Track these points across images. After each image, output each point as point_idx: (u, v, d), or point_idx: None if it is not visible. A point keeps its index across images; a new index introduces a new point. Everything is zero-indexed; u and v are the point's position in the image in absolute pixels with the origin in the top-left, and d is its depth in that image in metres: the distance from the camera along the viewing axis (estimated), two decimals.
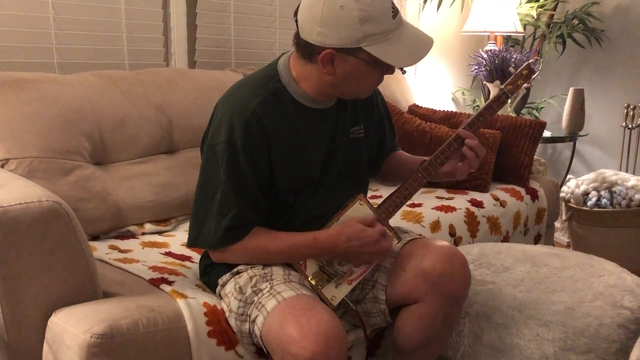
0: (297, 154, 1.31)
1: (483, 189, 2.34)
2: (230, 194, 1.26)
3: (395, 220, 1.92)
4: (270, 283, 1.27)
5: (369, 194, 1.54)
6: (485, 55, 2.96)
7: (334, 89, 1.28)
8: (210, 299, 1.34)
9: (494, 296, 1.58)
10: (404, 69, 1.27)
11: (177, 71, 2.13)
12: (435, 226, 2.00)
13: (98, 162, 1.80)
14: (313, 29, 1.20)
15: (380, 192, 2.15)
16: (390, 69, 1.25)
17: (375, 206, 1.38)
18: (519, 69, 1.36)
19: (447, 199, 2.23)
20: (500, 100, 1.36)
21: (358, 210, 1.35)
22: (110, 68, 2.04)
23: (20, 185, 1.28)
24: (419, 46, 1.21)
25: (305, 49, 1.25)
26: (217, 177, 1.26)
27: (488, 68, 2.93)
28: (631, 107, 3.00)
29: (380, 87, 1.49)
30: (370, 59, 1.20)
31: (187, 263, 1.58)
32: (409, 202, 1.90)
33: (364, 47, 1.18)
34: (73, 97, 1.76)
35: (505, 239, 2.25)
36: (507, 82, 1.36)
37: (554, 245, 2.71)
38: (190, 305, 1.29)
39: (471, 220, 2.12)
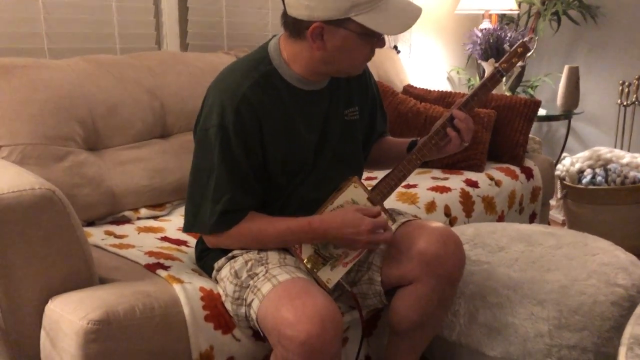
0: (290, 136, 1.31)
1: (478, 168, 2.34)
2: (223, 179, 1.26)
3: (390, 202, 1.92)
4: (265, 267, 1.27)
5: (364, 175, 1.54)
6: (479, 34, 2.94)
7: (326, 65, 1.27)
8: (207, 284, 1.34)
9: (489, 276, 1.59)
10: (398, 48, 1.27)
11: (169, 54, 2.11)
12: (431, 207, 2.00)
13: (91, 148, 1.79)
14: (300, 3, 1.19)
15: (375, 174, 2.15)
16: (380, 42, 1.25)
17: (369, 188, 1.37)
18: (514, 47, 1.35)
19: (442, 179, 2.23)
20: (494, 79, 1.35)
21: (352, 192, 1.35)
22: (101, 52, 2.03)
23: (12, 172, 1.27)
24: (407, 14, 1.21)
25: (294, 26, 1.24)
26: (210, 161, 1.26)
27: (483, 47, 2.91)
28: (626, 84, 2.99)
29: (374, 68, 1.48)
30: (360, 30, 1.20)
31: (183, 248, 1.59)
32: (403, 183, 1.88)
33: (353, 17, 1.18)
34: (64, 83, 1.75)
35: (501, 219, 2.26)
36: (502, 60, 1.35)
37: (549, 224, 2.74)
38: (187, 290, 1.30)
39: (466, 200, 2.12)
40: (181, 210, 1.79)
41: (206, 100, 1.30)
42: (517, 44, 1.36)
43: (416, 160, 1.37)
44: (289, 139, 1.31)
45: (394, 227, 1.41)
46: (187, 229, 1.34)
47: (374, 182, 1.43)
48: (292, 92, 1.30)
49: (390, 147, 1.53)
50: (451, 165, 2.37)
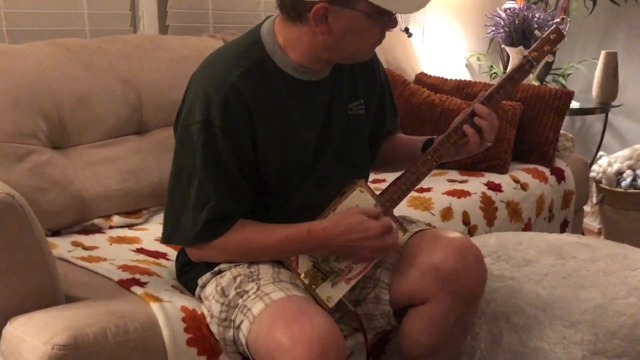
0: (286, 134, 1.30)
1: (501, 169, 2.34)
2: (208, 182, 1.26)
3: (401, 208, 1.83)
4: (256, 283, 1.27)
5: (371, 178, 1.56)
6: (503, 15, 2.93)
7: (329, 52, 1.27)
8: (189, 303, 1.34)
9: (514, 293, 1.59)
10: (410, 30, 1.27)
11: (146, 38, 2.11)
12: (447, 214, 2.01)
13: (57, 146, 1.79)
14: None
15: (382, 177, 2.13)
16: (392, 22, 1.25)
17: (377, 193, 1.37)
18: (546, 33, 1.36)
19: (460, 182, 2.23)
20: (523, 70, 1.35)
21: (358, 198, 1.34)
22: (69, 35, 2.02)
23: None
24: None
25: (293, 8, 1.24)
26: (193, 162, 1.26)
27: (507, 29, 2.91)
28: None
29: (382, 53, 1.50)
30: (370, 9, 1.20)
31: (162, 261, 1.59)
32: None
33: None
34: (26, 71, 1.75)
35: (527, 227, 2.25)
36: (532, 48, 1.36)
37: (583, 233, 2.74)
38: (166, 309, 1.29)
39: (488, 207, 2.12)
40: (160, 218, 1.76)
41: (188, 92, 1.30)
42: (549, 30, 1.36)
43: (431, 162, 1.37)
44: (285, 137, 1.30)
45: (404, 237, 1.42)
46: (166, 239, 1.33)
47: (383, 186, 1.43)
48: (288, 83, 1.30)
49: (402, 146, 1.53)
50: (470, 166, 2.37)
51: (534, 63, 1.35)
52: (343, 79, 1.38)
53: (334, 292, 1.34)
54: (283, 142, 1.30)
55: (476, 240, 1.78)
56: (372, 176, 1.59)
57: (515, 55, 2.93)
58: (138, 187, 1.89)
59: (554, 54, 3.11)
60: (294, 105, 1.31)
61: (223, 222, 1.28)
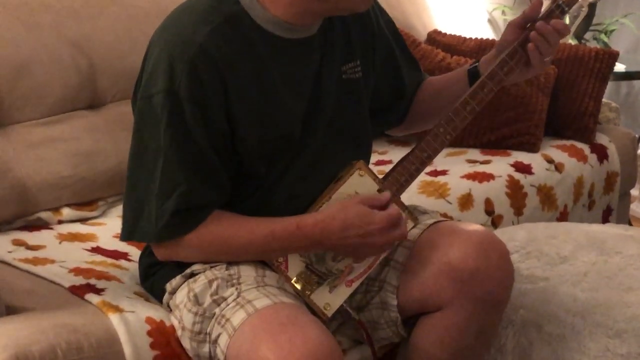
0: (267, 104, 1.29)
1: (532, 147, 2.33)
2: (175, 165, 1.25)
3: (411, 196, 1.83)
4: (237, 288, 1.26)
5: (374, 159, 1.62)
6: None
7: (319, 2, 1.26)
8: (156, 313, 1.34)
9: (547, 297, 1.58)
10: None
11: None
12: (466, 202, 2.01)
13: None
14: None
15: (389, 156, 2.11)
16: None
17: (381, 176, 1.37)
18: None
19: (482, 162, 2.22)
20: (552, 17, 1.35)
21: (357, 183, 1.34)
22: None
23: None
24: None
25: None
26: (157, 141, 1.25)
27: None
28: None
29: (388, 8, 1.51)
30: None
31: (123, 262, 1.58)
32: (427, 169, 1.88)
33: None
34: None
35: (563, 217, 2.26)
36: None
37: (630, 224, 2.73)
38: (128, 321, 1.28)
39: (515, 192, 2.12)
40: (119, 210, 1.70)
41: (149, 56, 1.29)
42: None
43: (466, 115, 1.36)
44: (266, 107, 1.29)
45: (416, 231, 1.41)
46: (127, 236, 1.32)
47: (387, 168, 1.42)
48: (268, 42, 1.29)
49: (442, 89, 1.52)
50: (494, 142, 2.36)
51: (566, 9, 1.34)
52: (335, 37, 1.37)
53: (332, 298, 1.34)
54: (264, 114, 1.29)
55: (501, 233, 1.76)
56: (376, 156, 1.63)
57: (546, 2, 2.92)
58: (92, 173, 1.87)
59: (593, 5, 3.08)
60: (276, 69, 1.29)
61: (195, 213, 1.27)
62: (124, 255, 1.62)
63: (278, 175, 1.34)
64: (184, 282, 1.33)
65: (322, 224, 1.28)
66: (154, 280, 1.41)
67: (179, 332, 1.31)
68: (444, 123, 1.37)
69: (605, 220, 2.49)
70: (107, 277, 1.47)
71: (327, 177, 1.36)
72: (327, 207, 1.33)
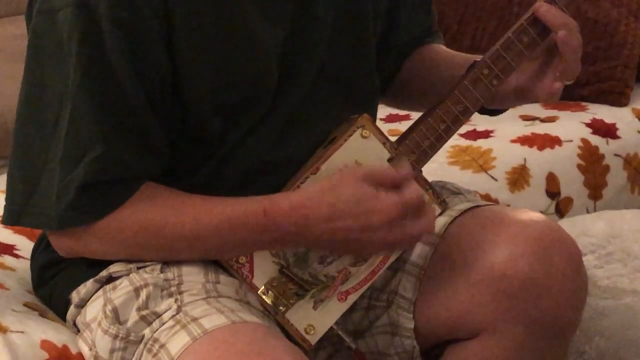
0: (230, 34, 1.23)
1: (617, 98, 2.30)
2: (87, 116, 1.17)
3: (437, 167, 1.83)
4: (177, 300, 1.20)
5: (385, 112, 1.67)
6: None
7: None
8: (56, 334, 1.27)
9: (635, 319, 1.56)
10: None
11: None
12: (519, 178, 1.98)
13: None
14: None
15: (405, 113, 2.10)
16: None
17: (394, 138, 1.29)
18: None
19: (543, 120, 2.19)
20: None
21: (359, 147, 1.27)
22: None
23: None
24: None
25: None
26: (61, 80, 1.18)
27: None
28: None
29: None
30: None
31: (7, 259, 1.52)
32: (462, 129, 1.86)
33: None
34: None
35: None
36: None
37: None
38: (15, 346, 1.22)
39: (592, 165, 2.08)
40: (2, 182, 1.70)
41: None
42: None
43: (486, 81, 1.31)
44: (229, 40, 1.23)
45: (443, 220, 1.34)
46: (13, 218, 1.26)
47: (404, 128, 1.35)
48: None
49: (439, 65, 1.49)
50: (563, 91, 2.39)
51: None
52: None
53: (318, 318, 1.28)
54: (223, 49, 1.23)
55: (571, 225, 1.71)
56: (386, 110, 1.56)
57: None
58: None
59: None
60: None
61: (115, 187, 1.20)
62: (9, 249, 1.57)
63: (241, 138, 1.28)
64: (99, 289, 1.26)
65: (303, 209, 1.21)
66: (53, 287, 1.34)
67: None
68: (488, 61, 1.30)
69: None
70: None
71: (314, 141, 1.30)
72: (311, 183, 1.25)
